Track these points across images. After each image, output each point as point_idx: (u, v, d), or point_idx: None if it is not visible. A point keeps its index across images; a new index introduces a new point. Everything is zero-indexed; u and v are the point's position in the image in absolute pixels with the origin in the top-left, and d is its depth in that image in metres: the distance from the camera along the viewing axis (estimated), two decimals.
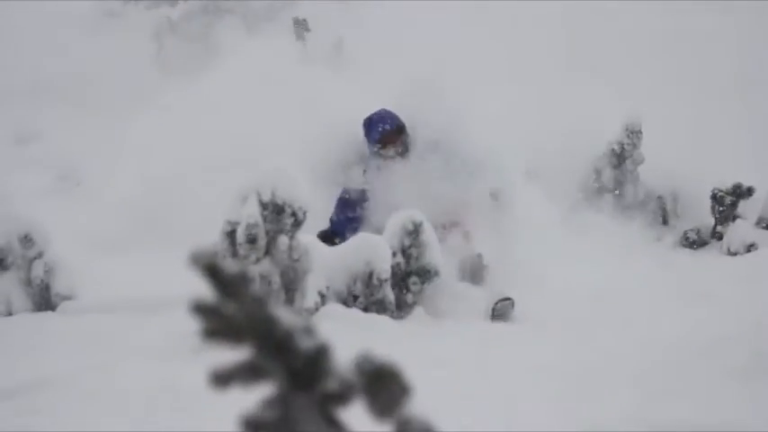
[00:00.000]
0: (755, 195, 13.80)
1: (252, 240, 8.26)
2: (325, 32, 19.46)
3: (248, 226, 8.27)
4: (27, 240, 9.96)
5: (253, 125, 12.86)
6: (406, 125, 11.02)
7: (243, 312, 2.81)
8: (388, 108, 10.93)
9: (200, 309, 2.81)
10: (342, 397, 2.84)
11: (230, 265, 2.75)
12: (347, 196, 10.85)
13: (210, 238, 8.62)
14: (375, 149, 10.92)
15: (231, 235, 8.61)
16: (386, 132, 10.76)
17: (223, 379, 2.83)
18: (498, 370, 7.76)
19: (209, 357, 2.91)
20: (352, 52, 17.62)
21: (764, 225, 13.83)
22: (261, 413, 2.85)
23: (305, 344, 2.81)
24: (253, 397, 2.87)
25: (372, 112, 10.97)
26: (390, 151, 10.81)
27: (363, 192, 10.78)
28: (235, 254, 8.10)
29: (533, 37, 16.39)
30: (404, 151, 10.83)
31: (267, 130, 12.54)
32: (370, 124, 10.90)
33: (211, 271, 2.79)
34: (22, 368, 7.61)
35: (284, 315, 2.77)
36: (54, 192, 15.27)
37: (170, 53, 21.45)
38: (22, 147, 18.06)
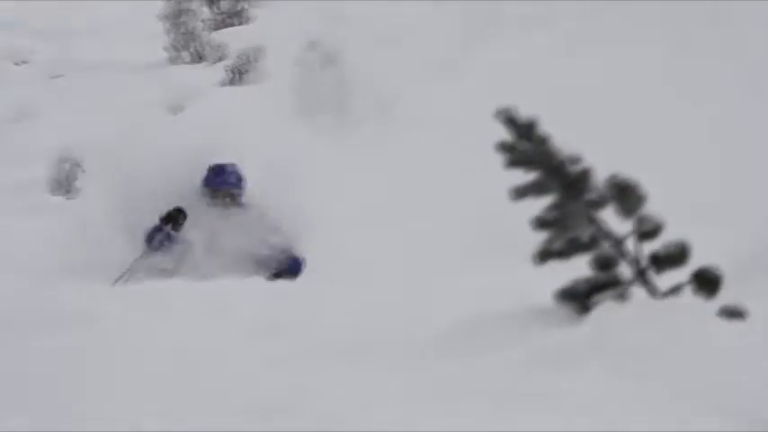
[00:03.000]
0: None
1: None
2: None
3: None
4: None
5: None
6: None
7: (532, 148, 4.02)
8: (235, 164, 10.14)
9: (504, 147, 4.04)
10: (599, 203, 4.06)
11: (523, 116, 3.97)
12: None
13: None
14: (205, 194, 10.07)
15: None
16: (229, 187, 9.98)
17: (520, 192, 4.05)
18: None
19: None
20: None
21: None
22: (544, 214, 4.06)
23: (573, 168, 4.01)
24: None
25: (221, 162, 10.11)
26: (220, 200, 10.01)
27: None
28: None
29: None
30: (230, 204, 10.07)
31: None
32: (216, 173, 10.07)
33: (510, 120, 4.01)
34: None
35: (559, 149, 3.98)
36: None
37: None
38: None
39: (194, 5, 16.95)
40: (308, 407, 3.55)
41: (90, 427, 3.56)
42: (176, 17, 14.02)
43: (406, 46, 19.41)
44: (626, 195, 4.08)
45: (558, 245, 4.10)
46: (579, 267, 4.24)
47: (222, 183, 9.93)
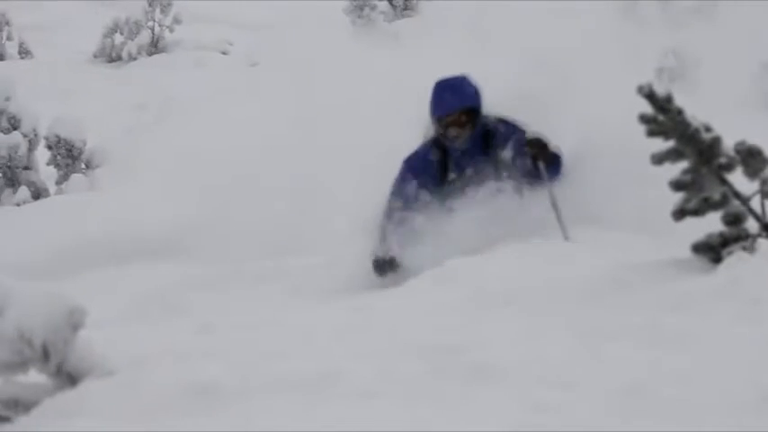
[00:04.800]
0: None
1: None
2: None
3: None
4: None
5: None
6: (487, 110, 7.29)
7: (669, 120, 4.37)
8: (470, 77, 7.26)
9: (645, 119, 4.40)
10: (728, 166, 4.39)
11: (661, 91, 4.31)
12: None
13: None
14: (437, 127, 7.25)
15: None
16: (451, 111, 7.12)
17: (659, 158, 4.41)
18: None
19: None
20: None
21: None
22: (681, 178, 4.42)
23: (706, 136, 4.36)
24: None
25: (450, 76, 7.23)
26: (453, 132, 7.14)
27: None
28: None
29: None
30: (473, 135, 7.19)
31: None
32: (436, 94, 7.20)
33: (650, 96, 4.37)
34: None
35: (696, 121, 4.32)
36: None
37: None
38: None
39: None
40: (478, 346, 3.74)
41: None
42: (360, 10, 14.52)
43: None
44: (752, 159, 4.42)
45: (692, 204, 4.45)
46: None
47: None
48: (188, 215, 9.61)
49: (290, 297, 6.82)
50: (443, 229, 6.85)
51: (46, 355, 3.41)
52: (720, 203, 4.44)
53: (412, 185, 7.16)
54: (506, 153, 7.14)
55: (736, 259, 4.39)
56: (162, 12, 27.74)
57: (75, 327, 3.44)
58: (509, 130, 7.19)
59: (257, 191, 9.35)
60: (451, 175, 7.22)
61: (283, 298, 6.83)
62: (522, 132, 7.10)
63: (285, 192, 9.21)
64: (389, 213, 7.16)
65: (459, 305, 4.69)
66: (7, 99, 15.09)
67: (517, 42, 8.40)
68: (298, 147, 9.60)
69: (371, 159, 7.84)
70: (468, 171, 7.19)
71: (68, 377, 3.46)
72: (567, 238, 6.66)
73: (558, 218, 6.78)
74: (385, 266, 6.99)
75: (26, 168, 14.90)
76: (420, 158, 7.30)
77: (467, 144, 7.19)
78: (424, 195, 7.13)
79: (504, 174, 7.09)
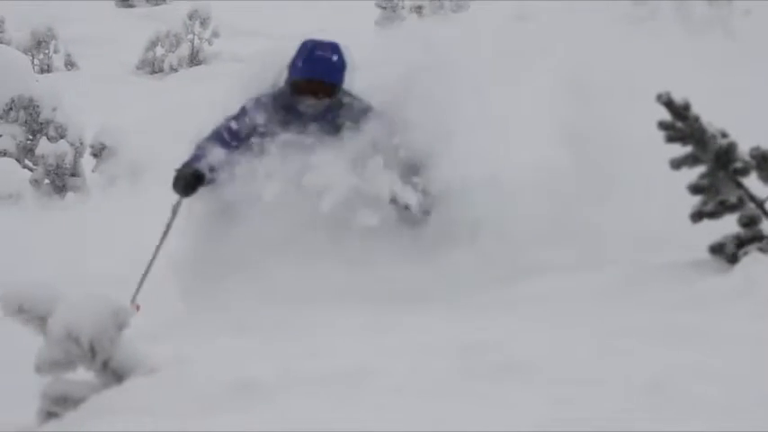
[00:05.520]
0: None
1: None
2: None
3: None
4: None
5: None
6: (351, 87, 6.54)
7: (687, 126, 4.41)
8: (343, 48, 6.51)
9: (664, 125, 4.44)
10: (744, 170, 4.43)
11: (679, 100, 4.34)
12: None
13: None
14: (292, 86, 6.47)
15: None
16: (314, 78, 6.41)
17: (677, 164, 4.45)
18: None
19: None
20: None
21: None
22: (698, 182, 4.46)
23: (722, 141, 4.39)
24: None
25: (324, 40, 6.54)
26: (309, 100, 6.41)
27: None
28: None
29: None
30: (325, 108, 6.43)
31: None
32: (306, 56, 6.45)
33: (668, 103, 4.40)
34: None
35: (712, 127, 4.36)
36: None
37: None
38: None
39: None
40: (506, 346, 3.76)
41: None
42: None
43: None
44: (766, 164, 4.46)
45: (709, 207, 4.50)
46: None
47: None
48: None
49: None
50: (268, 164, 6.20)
51: (93, 353, 3.46)
52: (736, 206, 4.48)
53: (247, 125, 6.45)
54: (350, 129, 6.30)
55: (751, 260, 4.44)
56: (201, 25, 27.92)
57: (121, 326, 3.50)
58: (362, 112, 6.40)
59: None
60: (292, 128, 6.42)
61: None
62: (377, 120, 6.31)
63: None
64: (213, 137, 6.45)
65: (486, 305, 4.73)
66: (54, 109, 15.26)
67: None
68: None
69: None
70: (312, 127, 6.42)
71: (114, 375, 3.51)
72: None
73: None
74: (188, 180, 6.30)
75: (73, 175, 15.07)
76: (263, 105, 6.52)
77: (316, 111, 6.43)
78: (257, 139, 6.40)
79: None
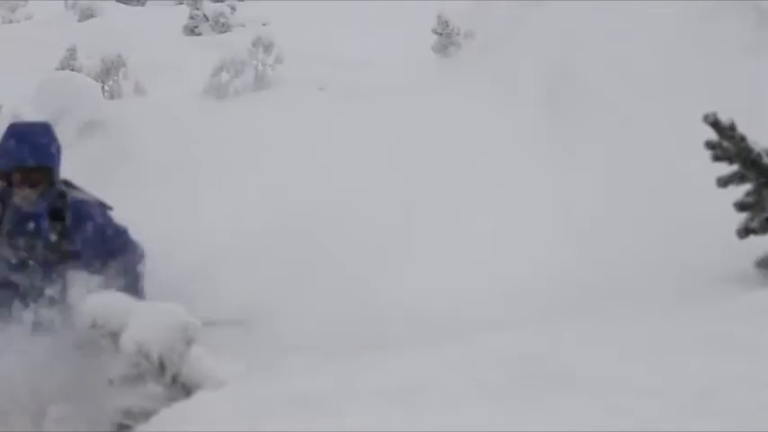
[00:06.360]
0: None
1: None
2: None
3: None
4: None
5: None
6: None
7: (732, 145, 4.39)
8: (51, 128, 5.78)
9: (711, 145, 4.42)
10: None
11: (724, 120, 4.33)
12: None
13: None
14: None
15: None
16: (21, 164, 5.51)
17: (724, 182, 4.43)
18: None
19: None
20: None
21: None
22: (744, 199, 4.43)
23: (767, 160, 4.37)
24: None
25: (28, 122, 6.26)
26: (25, 191, 5.49)
27: None
28: None
29: None
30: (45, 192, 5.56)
31: None
32: (6, 141, 5.60)
33: (715, 124, 4.38)
34: None
35: (758, 146, 4.34)
36: None
37: None
38: None
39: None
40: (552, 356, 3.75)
41: None
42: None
43: None
44: None
45: (755, 223, 4.47)
46: None
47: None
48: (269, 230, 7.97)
49: None
50: None
51: (162, 367, 3.49)
52: None
53: None
54: (80, 237, 5.62)
55: None
56: (265, 51, 28.10)
57: (189, 341, 3.53)
58: (88, 212, 5.68)
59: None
60: (6, 227, 5.60)
61: None
62: (101, 224, 5.68)
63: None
64: None
65: (541, 317, 4.73)
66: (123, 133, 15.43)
67: None
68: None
69: None
70: (30, 226, 5.59)
71: (183, 388, 3.54)
72: None
73: None
74: None
75: None
76: None
77: (34, 207, 5.56)
78: None
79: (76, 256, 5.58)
